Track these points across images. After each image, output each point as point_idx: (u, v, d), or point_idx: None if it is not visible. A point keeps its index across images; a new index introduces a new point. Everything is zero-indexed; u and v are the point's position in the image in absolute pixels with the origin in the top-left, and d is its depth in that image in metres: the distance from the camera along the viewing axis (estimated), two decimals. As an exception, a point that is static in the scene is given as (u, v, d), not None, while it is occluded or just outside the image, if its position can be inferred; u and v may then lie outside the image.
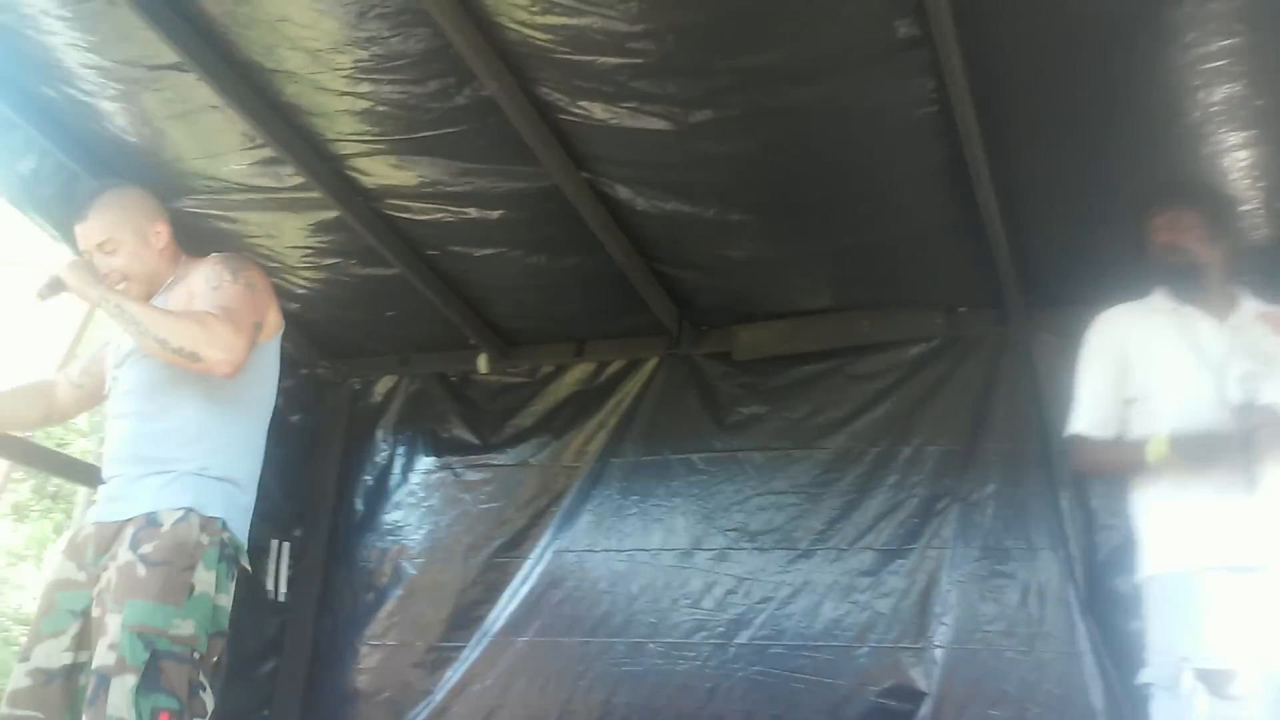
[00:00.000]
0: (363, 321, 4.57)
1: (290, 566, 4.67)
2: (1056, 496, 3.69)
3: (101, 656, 2.27)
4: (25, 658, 2.40)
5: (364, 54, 3.10)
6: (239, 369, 2.42)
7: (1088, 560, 3.63)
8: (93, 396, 2.81)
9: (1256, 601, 2.48)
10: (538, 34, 2.93)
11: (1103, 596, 3.57)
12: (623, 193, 3.55)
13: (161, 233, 2.69)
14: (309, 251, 4.09)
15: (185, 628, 2.31)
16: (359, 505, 4.77)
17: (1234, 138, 2.88)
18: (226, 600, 2.44)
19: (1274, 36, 2.60)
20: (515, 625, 4.27)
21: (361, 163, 3.62)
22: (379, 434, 4.83)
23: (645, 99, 3.06)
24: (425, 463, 4.69)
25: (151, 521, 2.38)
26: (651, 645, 4.07)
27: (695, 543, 4.12)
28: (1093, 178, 3.10)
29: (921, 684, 3.70)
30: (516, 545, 4.42)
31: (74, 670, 2.38)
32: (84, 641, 2.38)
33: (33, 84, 3.52)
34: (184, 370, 2.42)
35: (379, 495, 4.75)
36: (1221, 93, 2.72)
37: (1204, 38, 2.61)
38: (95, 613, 2.37)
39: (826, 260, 3.80)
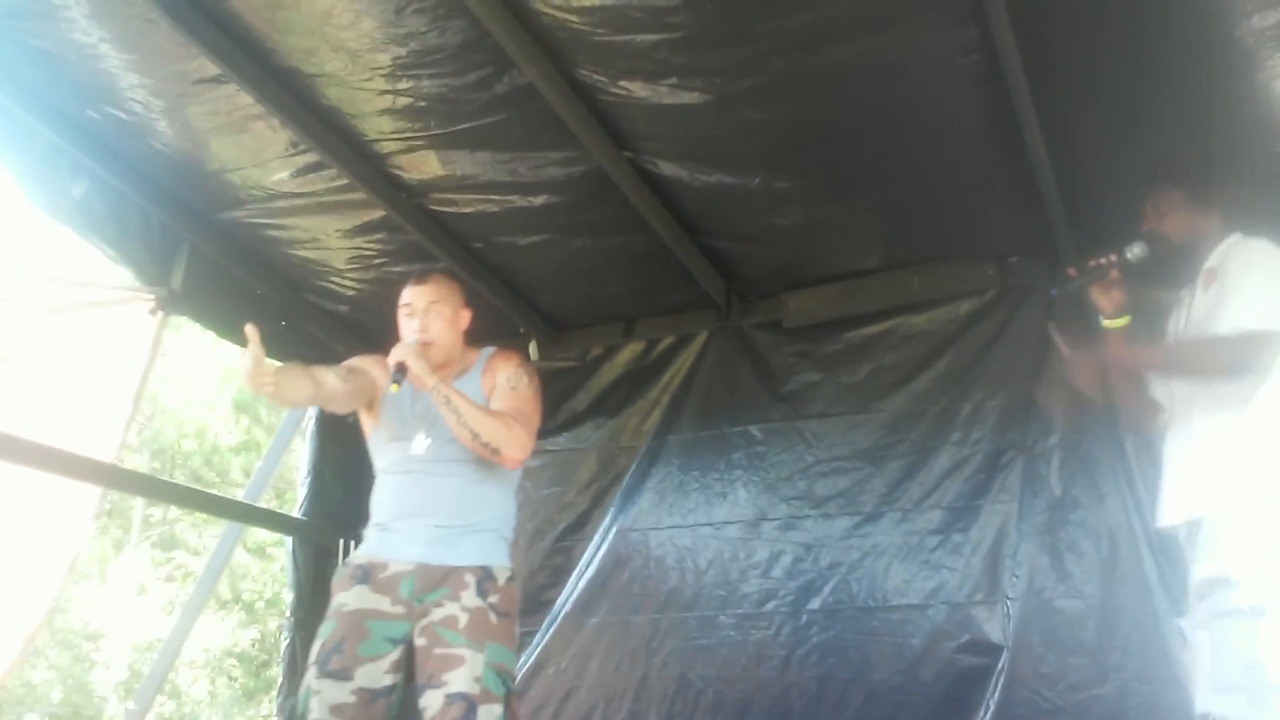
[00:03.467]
0: (412, 318, 4.59)
1: (357, 565, 4.73)
2: (1121, 441, 3.67)
3: (465, 685, 2.68)
4: (346, 677, 2.72)
5: (403, 50, 3.12)
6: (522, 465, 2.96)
7: (1156, 502, 3.61)
8: (351, 400, 3.07)
9: None
10: (574, 17, 2.94)
11: (1173, 537, 3.55)
12: (666, 169, 3.55)
13: (465, 319, 3.11)
14: (356, 252, 4.13)
15: (514, 670, 2.83)
16: (421, 499, 4.80)
17: (1287, 61, 2.82)
18: None
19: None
20: (585, 607, 4.31)
21: (404, 160, 3.64)
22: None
23: (685, 73, 3.06)
24: (483, 452, 4.72)
25: (489, 575, 2.85)
26: (723, 618, 4.10)
27: (760, 513, 4.13)
28: (1142, 116, 3.06)
29: (997, 637, 3.70)
30: (580, 527, 4.46)
31: (393, 690, 2.78)
32: (401, 666, 2.79)
33: (76, 108, 3.57)
34: None
35: (440, 488, 4.78)
36: (1274, 17, 2.67)
37: (1256, -40, 2.57)
38: (421, 642, 2.77)
39: (874, 219, 3.78)
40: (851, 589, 3.93)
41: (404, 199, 3.81)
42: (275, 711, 4.63)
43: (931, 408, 3.96)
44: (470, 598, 2.79)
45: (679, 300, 4.34)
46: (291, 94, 3.37)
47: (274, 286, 4.42)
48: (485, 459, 2.89)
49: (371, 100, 3.36)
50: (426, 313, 3.03)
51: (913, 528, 3.89)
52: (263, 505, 5.59)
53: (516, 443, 2.86)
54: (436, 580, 2.82)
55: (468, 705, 2.66)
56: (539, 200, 3.74)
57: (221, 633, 12.83)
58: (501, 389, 2.99)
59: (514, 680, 2.79)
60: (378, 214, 3.89)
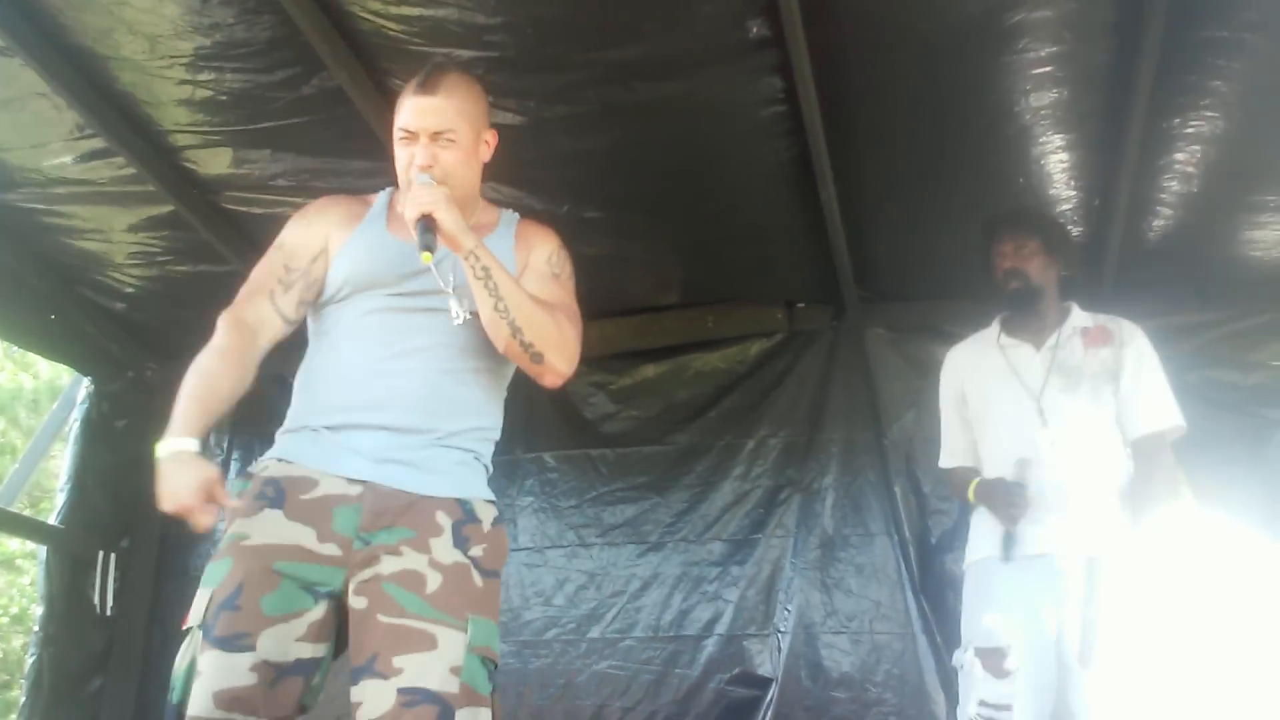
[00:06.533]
0: (195, 321, 4.28)
1: (117, 579, 4.47)
2: (890, 484, 3.87)
3: (437, 679, 1.79)
4: (244, 646, 1.79)
5: (207, 41, 3.01)
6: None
7: (920, 544, 3.82)
8: (292, 327, 2.15)
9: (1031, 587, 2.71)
10: (392, 24, 2.91)
11: (935, 578, 3.76)
12: (474, 189, 3.53)
13: (491, 144, 2.18)
14: (140, 247, 3.92)
15: (499, 656, 1.97)
16: (191, 514, 4.58)
17: (1059, 139, 3.08)
18: None
19: (1094, 45, 2.80)
20: (360, 632, 4.18)
21: (199, 154, 3.50)
22: (212, 438, 4.65)
23: (500, 93, 3.05)
24: (263, 467, 4.55)
25: (471, 516, 1.97)
26: (502, 646, 4.04)
27: (548, 541, 4.14)
28: (928, 178, 3.27)
29: (767, 670, 3.81)
30: (362, 549, 4.34)
31: (312, 666, 1.86)
32: (326, 633, 1.88)
33: None
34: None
35: (212, 502, 4.57)
36: (1049, 97, 2.91)
37: (1035, 44, 2.78)
38: (359, 604, 1.86)
39: (675, 257, 3.88)
40: (632, 618, 3.98)
41: (196, 195, 3.66)
42: (14, 734, 4.28)
43: (718, 443, 4.06)
44: (444, 548, 1.89)
45: (479, 323, 4.30)
46: (82, 75, 3.20)
47: (45, 277, 4.13)
48: (490, 346, 2.01)
49: (169, 89, 3.22)
50: (435, 143, 2.05)
51: (693, 559, 3.97)
52: (15, 511, 5.20)
53: (565, 351, 2.03)
54: (395, 513, 1.91)
55: (440, 710, 1.78)
56: (341, 209, 3.65)
57: (-45, 653, 11.80)
58: (541, 272, 2.13)
59: (497, 665, 1.93)
60: (166, 209, 3.71)
